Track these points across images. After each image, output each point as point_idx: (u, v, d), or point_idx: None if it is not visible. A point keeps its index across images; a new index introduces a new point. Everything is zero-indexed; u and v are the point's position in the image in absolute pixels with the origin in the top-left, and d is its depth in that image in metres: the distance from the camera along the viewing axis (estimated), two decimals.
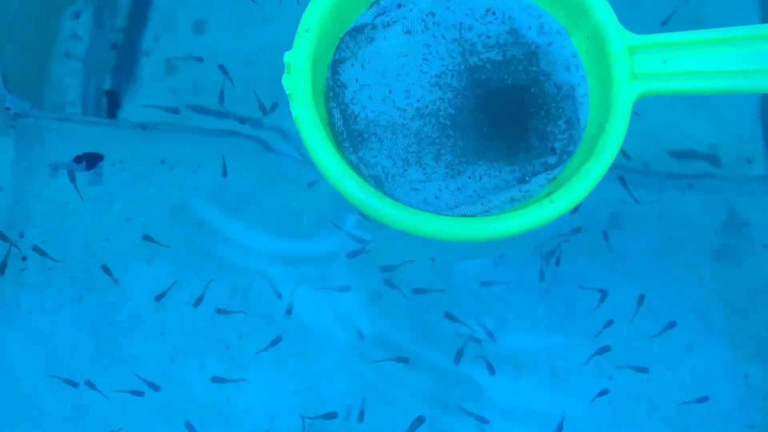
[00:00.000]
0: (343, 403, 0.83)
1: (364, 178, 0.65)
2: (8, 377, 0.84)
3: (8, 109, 0.90)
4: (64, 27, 0.93)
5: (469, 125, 0.68)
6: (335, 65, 0.69)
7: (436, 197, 0.66)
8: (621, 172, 0.89)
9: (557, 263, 0.87)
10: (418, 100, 0.68)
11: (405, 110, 0.68)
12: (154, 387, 0.84)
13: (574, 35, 0.68)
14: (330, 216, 0.87)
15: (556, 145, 0.67)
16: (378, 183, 0.66)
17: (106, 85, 0.93)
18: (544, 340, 0.85)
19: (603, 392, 0.84)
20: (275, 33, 0.93)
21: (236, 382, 0.84)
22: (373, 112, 0.68)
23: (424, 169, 0.67)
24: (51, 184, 0.88)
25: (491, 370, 0.84)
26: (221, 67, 0.92)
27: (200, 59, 0.93)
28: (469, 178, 0.67)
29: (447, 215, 0.64)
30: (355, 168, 0.66)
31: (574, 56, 0.68)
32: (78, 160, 0.88)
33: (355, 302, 0.85)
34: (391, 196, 0.65)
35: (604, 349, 0.85)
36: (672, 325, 0.85)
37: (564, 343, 0.85)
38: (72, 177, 0.88)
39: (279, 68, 0.85)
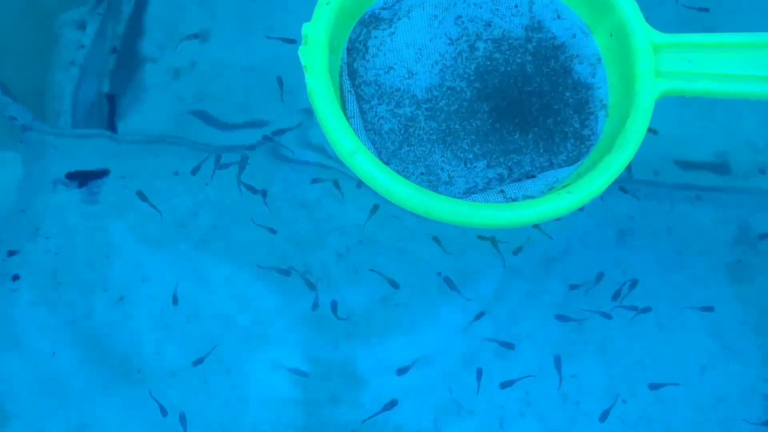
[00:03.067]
0: None
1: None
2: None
3: (14, 119, 0.88)
4: (67, 37, 0.92)
5: (484, 114, 0.68)
6: (353, 45, 0.68)
7: (447, 182, 0.66)
8: (629, 183, 0.87)
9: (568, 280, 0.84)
10: (435, 84, 0.68)
11: (422, 94, 0.68)
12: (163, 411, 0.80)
13: (597, 33, 0.69)
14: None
15: (573, 141, 0.68)
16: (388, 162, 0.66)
17: (108, 94, 0.91)
18: (554, 358, 0.82)
19: (615, 413, 0.81)
20: (279, 43, 0.91)
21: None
22: (388, 93, 0.68)
23: (435, 152, 0.67)
24: (53, 200, 0.86)
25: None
26: (226, 77, 0.90)
27: (203, 68, 0.91)
28: (479, 165, 0.67)
29: (457, 199, 0.63)
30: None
31: (596, 55, 0.69)
32: (78, 176, 0.86)
33: None
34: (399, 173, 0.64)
35: (615, 369, 0.82)
36: (685, 344, 0.83)
37: (574, 362, 0.82)
38: (74, 193, 0.86)
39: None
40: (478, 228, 0.63)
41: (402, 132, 0.67)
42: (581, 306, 0.83)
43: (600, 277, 0.84)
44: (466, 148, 0.67)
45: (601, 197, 0.78)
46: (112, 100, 0.90)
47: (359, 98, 0.67)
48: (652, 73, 0.64)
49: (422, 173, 0.66)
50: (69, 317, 0.82)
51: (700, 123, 0.88)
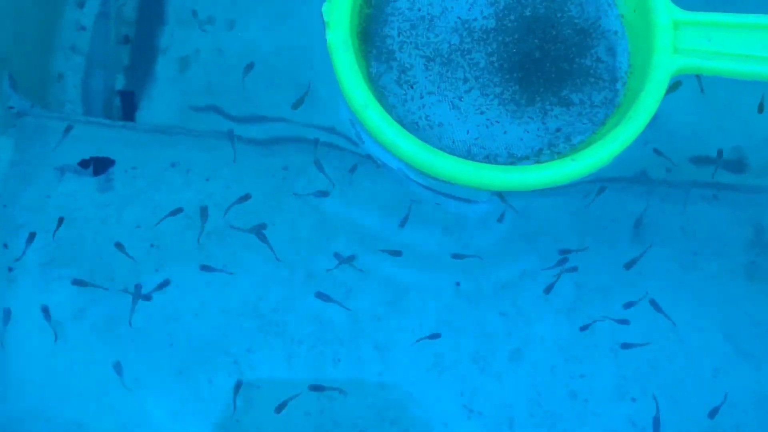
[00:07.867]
0: None
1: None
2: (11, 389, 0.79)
3: (11, 108, 0.87)
4: (70, 21, 0.91)
5: (504, 77, 0.68)
6: (376, 6, 0.69)
7: (455, 141, 0.67)
8: (644, 181, 0.86)
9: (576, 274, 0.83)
10: (457, 42, 0.69)
11: (442, 51, 0.69)
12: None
13: (621, 7, 0.70)
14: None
15: (588, 112, 0.68)
16: (399, 119, 0.66)
17: (118, 85, 0.90)
18: (565, 361, 0.81)
19: (627, 415, 0.80)
20: (297, 32, 0.90)
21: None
22: (409, 50, 0.69)
23: (451, 109, 0.68)
24: (56, 188, 0.84)
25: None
26: (240, 67, 0.89)
27: (218, 58, 0.90)
28: (494, 128, 0.67)
29: (465, 159, 0.64)
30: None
31: (617, 32, 0.70)
32: (86, 164, 0.85)
33: None
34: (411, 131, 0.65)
35: (626, 371, 0.81)
36: (698, 346, 0.81)
37: (585, 363, 0.81)
38: (79, 182, 0.84)
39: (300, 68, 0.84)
40: (481, 188, 0.63)
41: (424, 81, 0.69)
42: (593, 306, 0.82)
43: (613, 275, 0.83)
44: (483, 104, 0.68)
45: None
46: (124, 94, 0.89)
47: (382, 54, 0.68)
48: (670, 49, 0.64)
49: (440, 128, 0.67)
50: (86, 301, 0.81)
51: (716, 120, 0.87)
